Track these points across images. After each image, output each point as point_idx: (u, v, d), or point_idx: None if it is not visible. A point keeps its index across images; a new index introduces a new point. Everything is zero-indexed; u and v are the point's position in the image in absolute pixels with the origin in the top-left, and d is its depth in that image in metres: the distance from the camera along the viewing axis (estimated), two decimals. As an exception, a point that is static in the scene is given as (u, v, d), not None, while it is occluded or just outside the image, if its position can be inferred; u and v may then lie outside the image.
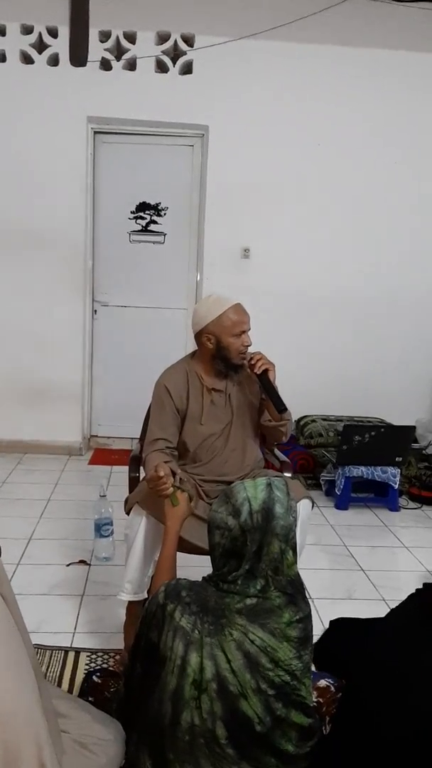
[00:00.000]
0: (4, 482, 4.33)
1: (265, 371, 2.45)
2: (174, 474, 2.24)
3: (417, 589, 2.77)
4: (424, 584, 2.72)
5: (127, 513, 2.41)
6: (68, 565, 3.17)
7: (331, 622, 2.64)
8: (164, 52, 4.61)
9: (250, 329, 2.52)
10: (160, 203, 5.00)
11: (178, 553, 2.11)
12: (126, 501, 2.45)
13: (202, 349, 2.55)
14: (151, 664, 1.66)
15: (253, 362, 2.46)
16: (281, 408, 2.43)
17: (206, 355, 2.54)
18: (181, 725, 1.57)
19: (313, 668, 2.28)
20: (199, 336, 2.53)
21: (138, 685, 1.72)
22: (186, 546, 2.30)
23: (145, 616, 1.72)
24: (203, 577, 1.77)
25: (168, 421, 2.53)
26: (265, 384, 2.46)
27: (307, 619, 1.68)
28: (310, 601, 1.77)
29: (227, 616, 1.62)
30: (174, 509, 2.10)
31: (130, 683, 1.80)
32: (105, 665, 2.37)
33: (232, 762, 1.57)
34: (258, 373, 2.45)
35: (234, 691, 1.56)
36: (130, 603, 2.41)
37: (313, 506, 2.49)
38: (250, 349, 2.52)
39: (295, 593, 1.68)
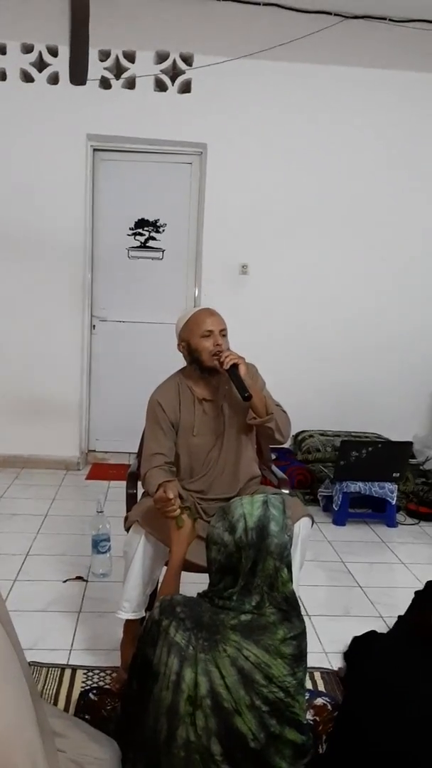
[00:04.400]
0: (1, 497, 4.32)
1: (234, 366, 2.38)
2: (181, 497, 2.24)
3: (416, 592, 2.77)
4: (428, 583, 2.71)
5: (127, 530, 2.41)
6: (65, 582, 3.16)
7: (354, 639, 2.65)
8: (163, 71, 4.66)
9: (224, 331, 2.49)
10: (158, 220, 5.03)
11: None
12: (126, 518, 2.45)
13: (185, 360, 2.57)
14: (145, 679, 1.65)
15: (221, 359, 2.41)
16: (244, 395, 2.36)
17: (187, 364, 2.56)
18: (177, 741, 1.56)
19: (309, 686, 2.28)
20: (178, 347, 2.56)
21: (133, 701, 1.72)
22: (184, 563, 2.29)
23: (143, 635, 1.72)
24: (198, 594, 1.78)
25: (163, 435, 2.53)
26: (232, 376, 2.39)
27: (301, 636, 1.68)
28: (307, 617, 1.77)
29: (221, 632, 1.63)
30: (180, 533, 2.10)
31: (127, 702, 1.79)
32: (101, 683, 2.36)
33: None
34: (226, 368, 2.39)
35: (228, 707, 1.56)
36: (128, 621, 2.40)
37: (312, 524, 2.48)
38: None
39: (290, 610, 1.68)
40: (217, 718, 1.56)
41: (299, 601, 1.76)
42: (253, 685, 1.57)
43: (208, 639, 1.62)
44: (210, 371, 2.48)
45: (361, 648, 2.61)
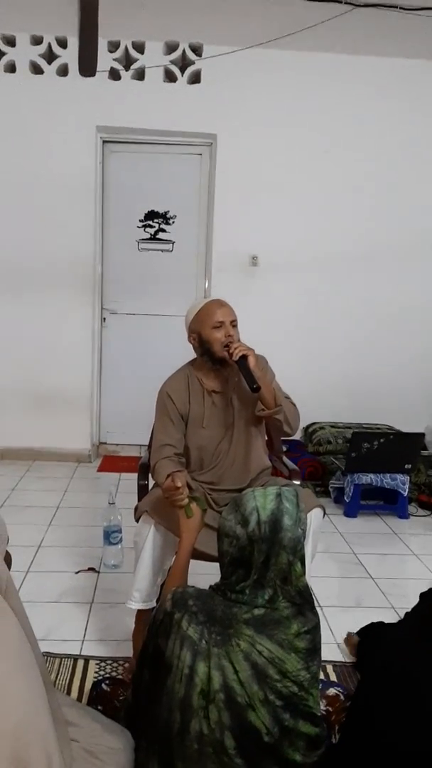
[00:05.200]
0: (14, 489, 4.34)
1: (243, 357, 2.38)
2: (189, 486, 2.24)
3: (421, 594, 2.77)
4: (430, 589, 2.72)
5: (137, 520, 2.42)
6: (77, 573, 3.17)
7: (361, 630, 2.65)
8: (172, 62, 4.64)
9: (234, 322, 2.49)
10: (168, 211, 5.02)
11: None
12: (136, 509, 2.46)
13: (195, 352, 2.57)
14: (157, 670, 1.66)
15: (231, 350, 2.40)
16: (252, 386, 2.34)
17: (198, 356, 2.56)
18: (190, 734, 1.56)
19: (321, 677, 2.28)
20: (188, 339, 2.56)
21: (145, 692, 1.72)
22: (194, 553, 2.30)
23: (153, 624, 1.73)
24: (210, 586, 1.77)
25: (173, 427, 2.53)
26: (241, 368, 2.38)
27: (315, 630, 1.67)
28: (318, 609, 1.77)
29: (234, 627, 1.62)
30: (189, 522, 2.11)
31: (138, 691, 1.80)
32: (114, 673, 2.38)
33: None
34: (236, 360, 2.39)
35: (241, 702, 1.55)
36: (139, 611, 2.41)
37: (324, 515, 2.48)
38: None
39: (304, 604, 1.67)
40: (231, 712, 1.55)
41: (312, 593, 1.75)
42: (266, 680, 1.57)
43: (221, 633, 1.61)
44: (221, 362, 2.48)
45: (372, 638, 2.61)
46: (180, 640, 1.60)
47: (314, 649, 1.66)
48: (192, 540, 2.10)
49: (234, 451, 2.56)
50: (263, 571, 1.65)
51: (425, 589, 2.85)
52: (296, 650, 1.61)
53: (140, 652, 1.79)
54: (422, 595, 2.84)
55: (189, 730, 1.56)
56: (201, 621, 1.63)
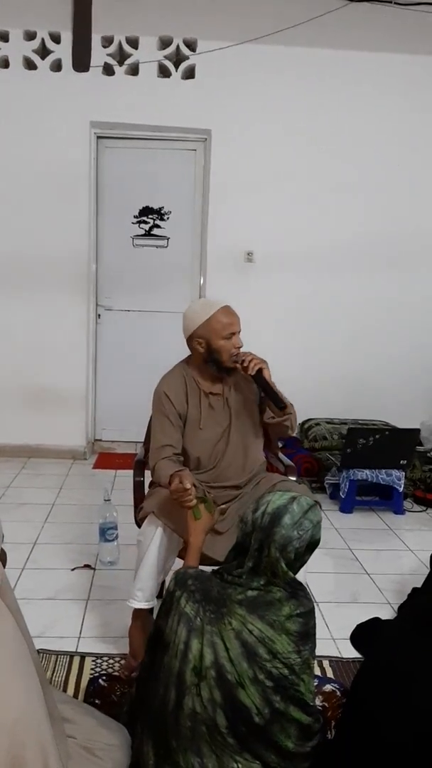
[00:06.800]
0: (9, 487, 4.33)
1: (260, 371, 2.41)
2: (195, 486, 2.24)
3: (413, 588, 2.79)
4: (413, 589, 2.75)
5: (140, 521, 2.40)
6: (73, 570, 3.17)
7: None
8: (167, 57, 4.62)
9: (240, 330, 2.50)
10: (163, 207, 5.01)
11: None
12: (140, 509, 2.44)
13: (194, 354, 2.56)
14: (156, 648, 1.71)
15: (245, 364, 2.42)
16: (281, 405, 2.39)
17: (199, 359, 2.54)
18: (184, 710, 1.60)
19: (318, 673, 2.28)
20: (190, 340, 2.54)
21: (145, 676, 1.75)
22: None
23: (160, 607, 1.79)
24: (212, 570, 1.84)
25: (171, 427, 2.52)
26: (262, 384, 2.42)
27: (308, 614, 1.71)
28: (315, 604, 1.78)
29: (228, 606, 1.68)
30: (197, 524, 2.11)
31: (140, 680, 1.83)
32: (110, 670, 2.37)
33: (233, 752, 1.59)
34: (252, 374, 2.41)
35: (231, 679, 1.60)
36: (137, 609, 2.40)
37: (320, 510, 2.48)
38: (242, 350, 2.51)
39: (297, 590, 1.71)
40: (222, 690, 1.59)
41: (306, 587, 1.77)
42: (256, 659, 1.61)
43: (215, 612, 1.67)
44: (227, 371, 2.50)
45: (367, 634, 2.62)
46: (177, 617, 1.67)
47: (307, 633, 1.69)
48: (200, 542, 2.11)
49: (231, 452, 2.55)
50: (258, 560, 1.71)
51: (420, 584, 2.87)
52: (287, 632, 1.65)
53: (147, 642, 1.84)
54: (414, 590, 2.86)
55: (183, 707, 1.60)
56: (197, 599, 1.69)
